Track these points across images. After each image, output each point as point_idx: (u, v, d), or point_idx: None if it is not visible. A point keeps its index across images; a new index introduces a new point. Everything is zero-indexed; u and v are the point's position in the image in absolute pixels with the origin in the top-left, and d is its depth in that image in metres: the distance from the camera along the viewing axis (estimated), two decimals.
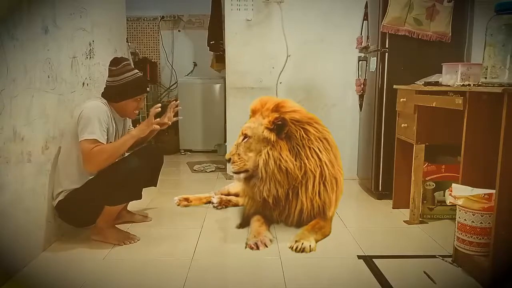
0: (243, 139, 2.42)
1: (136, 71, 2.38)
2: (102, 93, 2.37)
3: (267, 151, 2.34)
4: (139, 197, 2.33)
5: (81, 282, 1.86)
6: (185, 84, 5.14)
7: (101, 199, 2.21)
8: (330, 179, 2.43)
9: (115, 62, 2.34)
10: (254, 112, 2.52)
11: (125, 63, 2.33)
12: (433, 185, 2.65)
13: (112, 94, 2.32)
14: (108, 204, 2.24)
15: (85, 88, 2.62)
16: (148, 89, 2.46)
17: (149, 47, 5.60)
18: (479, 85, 1.93)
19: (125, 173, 2.17)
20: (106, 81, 2.36)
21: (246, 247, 2.24)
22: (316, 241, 2.28)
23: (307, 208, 2.40)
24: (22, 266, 2.00)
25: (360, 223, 2.80)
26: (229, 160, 2.44)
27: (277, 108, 2.42)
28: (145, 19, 5.53)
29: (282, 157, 2.32)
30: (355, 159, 3.67)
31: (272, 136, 2.33)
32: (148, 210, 2.84)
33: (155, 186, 2.59)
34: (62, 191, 2.23)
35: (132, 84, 2.32)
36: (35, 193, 2.11)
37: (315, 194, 2.39)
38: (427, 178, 2.64)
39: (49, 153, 2.22)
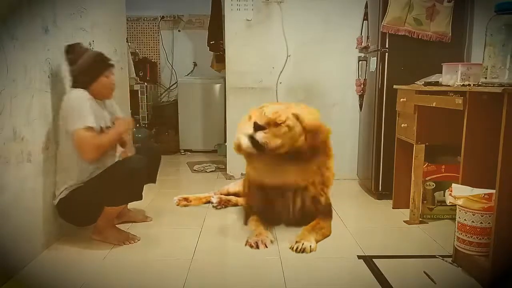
0: None
1: (94, 50, 2.34)
2: (71, 85, 2.30)
3: None
4: (139, 198, 2.32)
5: (81, 282, 1.86)
6: (185, 84, 5.14)
7: (101, 199, 2.20)
8: None
9: (70, 50, 2.27)
10: None
11: (79, 46, 2.29)
12: (433, 185, 2.65)
13: (80, 80, 2.26)
14: (108, 205, 2.23)
15: None
16: (112, 62, 2.39)
17: (149, 47, 5.59)
18: (479, 85, 1.93)
19: (125, 174, 2.16)
20: (69, 71, 2.29)
21: (246, 245, 2.24)
22: (317, 242, 2.28)
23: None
24: (22, 266, 2.00)
25: (360, 223, 2.80)
26: None
27: None
28: (145, 19, 5.53)
29: None
30: (355, 159, 3.67)
31: None
32: (148, 210, 2.84)
33: (154, 182, 2.60)
34: (64, 189, 2.21)
35: (95, 61, 2.28)
36: (35, 193, 2.11)
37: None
38: (427, 178, 2.64)
39: (49, 153, 2.22)
